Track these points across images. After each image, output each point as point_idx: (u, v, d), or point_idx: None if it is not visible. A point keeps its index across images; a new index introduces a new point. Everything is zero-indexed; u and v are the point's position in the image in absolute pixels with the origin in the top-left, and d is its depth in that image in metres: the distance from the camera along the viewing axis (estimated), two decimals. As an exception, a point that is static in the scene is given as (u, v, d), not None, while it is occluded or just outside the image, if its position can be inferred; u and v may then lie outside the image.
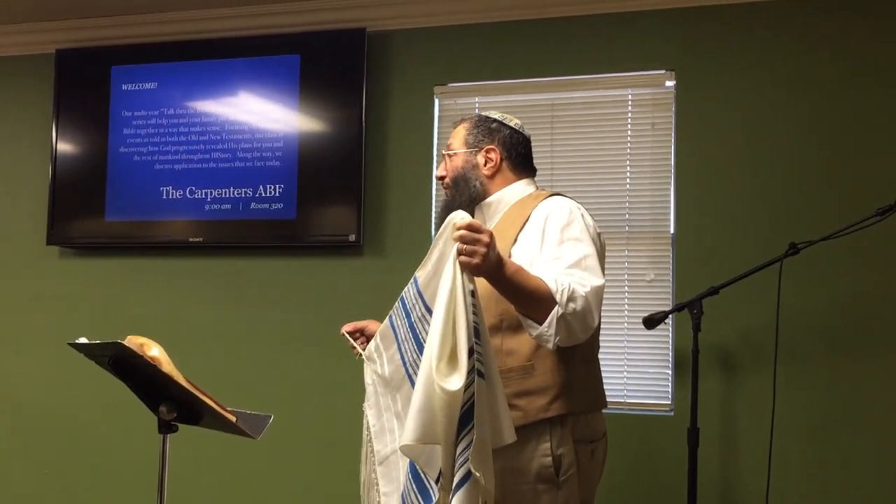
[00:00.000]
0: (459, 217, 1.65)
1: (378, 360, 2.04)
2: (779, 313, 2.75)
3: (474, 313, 1.60)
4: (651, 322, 2.81)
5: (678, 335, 3.05)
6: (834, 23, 3.02)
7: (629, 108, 3.23)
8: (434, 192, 3.37)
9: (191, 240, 3.56)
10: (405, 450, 1.66)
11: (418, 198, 3.40)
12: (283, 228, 3.45)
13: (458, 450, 1.55)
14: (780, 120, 3.05)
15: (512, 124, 2.15)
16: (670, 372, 3.11)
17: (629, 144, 3.22)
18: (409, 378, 1.86)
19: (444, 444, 1.56)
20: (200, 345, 3.53)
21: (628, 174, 3.21)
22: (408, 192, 3.41)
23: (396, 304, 1.94)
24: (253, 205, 3.49)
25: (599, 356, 2.11)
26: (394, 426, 1.98)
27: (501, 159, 2.11)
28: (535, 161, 2.21)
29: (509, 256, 1.92)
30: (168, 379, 1.77)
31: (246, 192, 3.50)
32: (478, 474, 1.53)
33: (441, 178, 2.17)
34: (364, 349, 2.11)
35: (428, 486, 1.69)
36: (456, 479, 1.54)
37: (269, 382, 3.47)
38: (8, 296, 3.84)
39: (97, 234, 3.68)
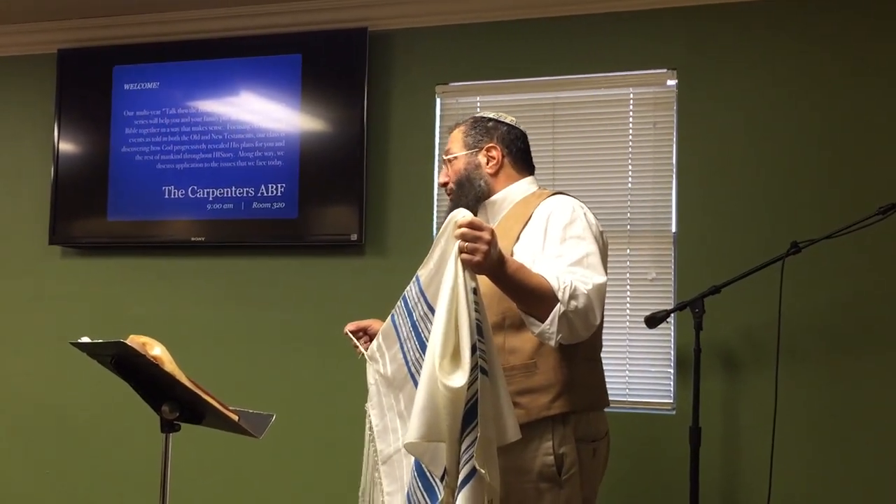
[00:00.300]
0: (461, 215, 1.65)
1: (380, 360, 2.04)
2: (780, 312, 2.75)
3: (477, 311, 1.60)
4: (653, 321, 2.81)
5: (680, 334, 3.05)
6: (836, 22, 3.02)
7: (631, 107, 3.23)
8: (436, 192, 3.37)
9: (193, 239, 3.56)
10: (409, 448, 1.66)
11: (420, 197, 3.40)
12: (285, 228, 3.46)
13: (463, 447, 1.55)
14: (781, 119, 3.05)
15: (507, 121, 2.16)
16: (672, 371, 3.11)
17: (631, 143, 3.22)
18: (412, 377, 1.86)
19: (448, 441, 1.56)
20: (202, 344, 3.53)
21: (630, 173, 3.21)
22: (409, 191, 3.41)
23: (399, 303, 1.94)
24: (255, 204, 3.49)
25: (601, 355, 2.11)
26: (397, 425, 1.98)
27: (503, 156, 2.11)
28: (536, 160, 2.21)
29: (512, 254, 1.93)
30: (170, 378, 1.77)
31: (248, 192, 3.50)
32: (482, 471, 1.53)
33: (444, 185, 2.17)
34: (367, 349, 2.11)
35: (433, 483, 1.69)
36: (461, 477, 1.54)
37: (270, 382, 3.47)
38: (10, 296, 3.84)
39: (99, 233, 3.69)
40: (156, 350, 1.79)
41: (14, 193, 3.88)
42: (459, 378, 1.52)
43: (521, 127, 2.19)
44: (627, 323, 3.16)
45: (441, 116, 3.42)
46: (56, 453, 3.70)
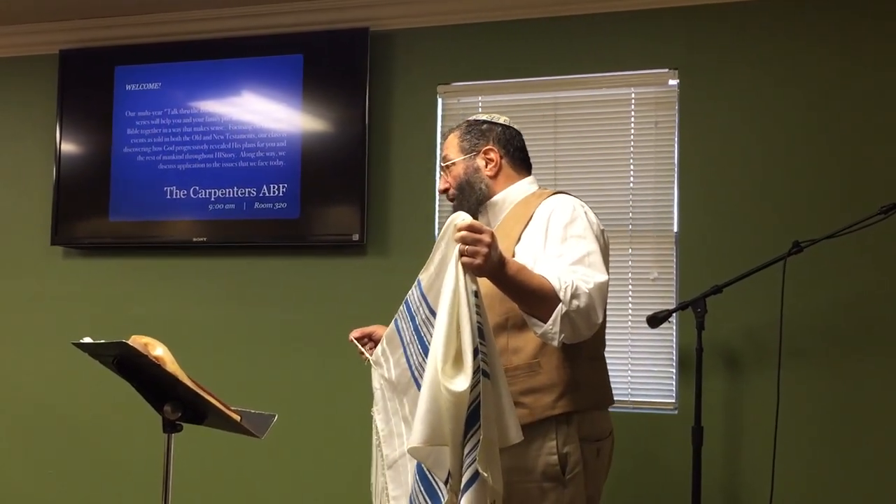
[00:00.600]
0: (460, 218, 1.65)
1: (385, 365, 2.03)
2: (782, 311, 2.75)
3: (478, 314, 1.60)
4: (655, 321, 2.81)
5: (682, 333, 3.05)
6: (836, 21, 3.02)
7: (632, 106, 3.23)
8: (437, 193, 3.37)
9: (194, 240, 3.56)
10: (413, 452, 1.66)
11: (422, 197, 3.40)
12: (287, 228, 3.46)
13: (466, 450, 1.55)
14: (783, 118, 3.05)
15: (501, 121, 2.16)
16: (674, 370, 3.10)
17: (632, 143, 3.22)
18: (416, 381, 1.86)
19: (451, 445, 1.56)
20: (204, 344, 3.54)
21: (632, 173, 3.21)
22: (411, 191, 3.41)
23: (401, 307, 1.93)
24: (256, 204, 3.49)
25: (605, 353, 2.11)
26: (402, 430, 1.97)
27: (501, 157, 2.11)
28: (538, 160, 2.21)
29: (513, 255, 1.93)
30: (172, 378, 1.77)
31: (249, 192, 3.50)
32: (485, 474, 1.53)
33: (444, 191, 2.16)
34: (372, 354, 2.11)
35: (436, 487, 1.69)
36: (464, 480, 1.54)
37: (272, 382, 3.47)
38: (12, 296, 3.84)
39: (101, 234, 3.69)
40: (158, 350, 1.79)
41: (16, 194, 3.88)
42: (462, 382, 1.52)
43: (517, 126, 2.18)
44: (629, 323, 3.15)
45: (443, 116, 3.41)
46: (58, 453, 3.71)
